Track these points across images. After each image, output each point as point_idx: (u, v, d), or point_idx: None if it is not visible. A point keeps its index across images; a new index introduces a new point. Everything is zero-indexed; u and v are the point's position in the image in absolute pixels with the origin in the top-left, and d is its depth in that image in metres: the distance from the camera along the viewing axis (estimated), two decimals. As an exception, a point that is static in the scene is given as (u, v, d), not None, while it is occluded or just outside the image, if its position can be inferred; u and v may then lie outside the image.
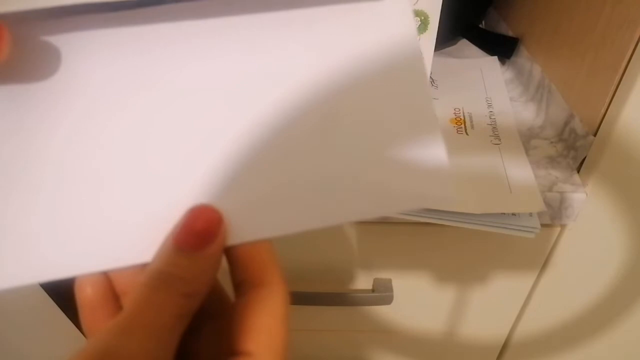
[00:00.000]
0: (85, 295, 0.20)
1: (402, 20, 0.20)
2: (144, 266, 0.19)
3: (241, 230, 0.20)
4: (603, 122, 0.40)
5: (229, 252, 0.20)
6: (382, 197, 0.20)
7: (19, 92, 0.19)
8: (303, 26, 0.20)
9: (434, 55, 0.49)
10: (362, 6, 0.20)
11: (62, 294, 0.46)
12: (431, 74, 0.51)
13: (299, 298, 0.50)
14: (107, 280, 0.21)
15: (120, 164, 0.20)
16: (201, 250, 0.18)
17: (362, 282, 0.51)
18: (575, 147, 0.43)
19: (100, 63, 0.19)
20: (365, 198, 0.20)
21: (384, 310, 0.54)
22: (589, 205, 0.42)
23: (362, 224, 0.45)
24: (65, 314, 0.47)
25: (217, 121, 0.20)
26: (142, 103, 0.20)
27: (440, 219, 0.39)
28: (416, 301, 0.53)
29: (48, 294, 0.46)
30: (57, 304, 0.47)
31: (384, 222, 0.44)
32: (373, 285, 0.51)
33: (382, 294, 0.50)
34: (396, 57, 0.20)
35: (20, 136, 0.19)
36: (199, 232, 0.18)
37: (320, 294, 0.50)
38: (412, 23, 0.20)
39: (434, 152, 0.20)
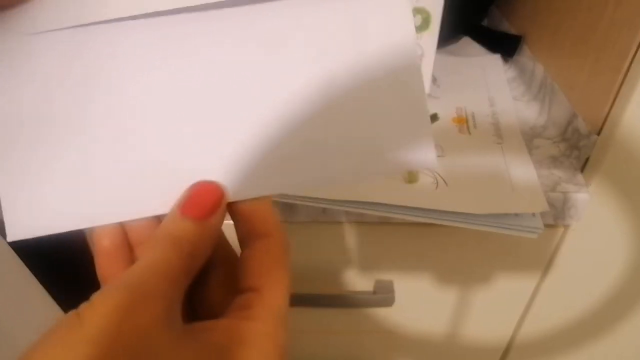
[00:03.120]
0: (102, 246, 0.23)
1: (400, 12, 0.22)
2: (158, 218, 0.22)
3: (245, 187, 0.22)
4: (606, 121, 0.39)
5: (233, 208, 0.23)
6: (371, 160, 0.23)
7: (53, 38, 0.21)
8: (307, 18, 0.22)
9: (436, 53, 0.49)
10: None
11: (45, 272, 0.46)
12: (433, 72, 0.51)
13: (300, 300, 0.50)
14: (123, 232, 0.23)
15: (145, 123, 0.22)
16: (205, 220, 0.21)
17: (364, 283, 0.51)
18: (579, 146, 0.42)
19: (128, 33, 0.21)
20: (354, 160, 0.23)
21: (385, 312, 0.54)
22: (592, 205, 0.41)
23: (363, 224, 0.44)
24: (50, 293, 0.47)
25: (232, 98, 0.22)
26: (170, 72, 0.22)
27: (442, 219, 0.39)
28: (418, 303, 0.53)
29: (31, 270, 0.46)
30: (41, 282, 0.47)
31: (385, 223, 0.43)
32: (374, 287, 0.51)
33: (383, 295, 0.49)
34: (392, 51, 0.22)
35: (49, 87, 0.21)
36: (203, 206, 0.21)
37: (321, 295, 0.50)
38: (411, 19, 0.22)
39: (420, 125, 0.22)
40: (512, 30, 0.60)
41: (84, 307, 0.17)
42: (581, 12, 0.44)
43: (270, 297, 0.21)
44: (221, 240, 0.24)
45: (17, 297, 0.47)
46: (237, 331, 0.20)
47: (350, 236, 0.46)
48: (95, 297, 0.18)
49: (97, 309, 0.17)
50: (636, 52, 0.36)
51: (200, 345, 0.19)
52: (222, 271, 0.23)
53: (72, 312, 0.17)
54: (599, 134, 0.40)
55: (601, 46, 0.40)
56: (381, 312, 0.54)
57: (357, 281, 0.50)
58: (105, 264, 0.22)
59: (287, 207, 0.41)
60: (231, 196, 0.22)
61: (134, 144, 0.22)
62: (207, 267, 0.22)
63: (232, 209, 0.23)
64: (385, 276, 0.50)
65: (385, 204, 0.39)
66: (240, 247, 0.23)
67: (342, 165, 0.22)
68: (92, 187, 0.22)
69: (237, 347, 0.19)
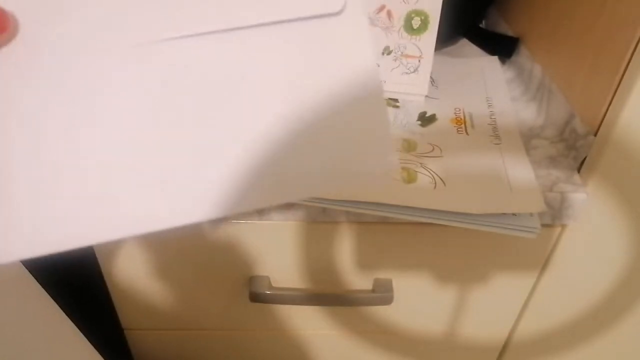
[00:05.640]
0: None
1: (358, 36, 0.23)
2: None
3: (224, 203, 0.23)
4: (604, 121, 0.39)
5: None
6: (331, 171, 0.24)
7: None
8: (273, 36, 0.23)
9: (434, 55, 0.49)
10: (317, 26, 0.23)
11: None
12: (431, 73, 0.51)
13: (298, 298, 0.50)
14: None
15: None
16: None
17: (363, 282, 0.51)
18: (576, 147, 0.43)
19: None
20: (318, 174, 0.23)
21: (384, 310, 0.54)
22: (589, 205, 0.42)
23: (363, 224, 0.45)
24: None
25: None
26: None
27: (440, 219, 0.39)
28: (416, 301, 0.53)
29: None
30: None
31: (385, 223, 0.44)
32: (373, 286, 0.51)
33: (382, 294, 0.49)
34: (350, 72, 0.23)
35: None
36: None
37: (320, 294, 0.50)
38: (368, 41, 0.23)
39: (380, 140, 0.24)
40: (510, 31, 0.61)
41: None
42: (579, 12, 0.45)
43: None
44: None
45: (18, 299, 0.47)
46: None
47: (350, 236, 0.46)
48: None
49: None
50: (634, 52, 0.36)
51: None
52: None
53: None
54: (596, 134, 0.40)
55: (599, 46, 0.41)
56: (380, 311, 0.54)
57: (356, 280, 0.51)
58: None
59: (287, 207, 0.42)
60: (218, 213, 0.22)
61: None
62: None
63: None
64: (384, 275, 0.50)
65: (384, 204, 0.39)
66: None
67: (307, 180, 0.23)
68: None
69: None
